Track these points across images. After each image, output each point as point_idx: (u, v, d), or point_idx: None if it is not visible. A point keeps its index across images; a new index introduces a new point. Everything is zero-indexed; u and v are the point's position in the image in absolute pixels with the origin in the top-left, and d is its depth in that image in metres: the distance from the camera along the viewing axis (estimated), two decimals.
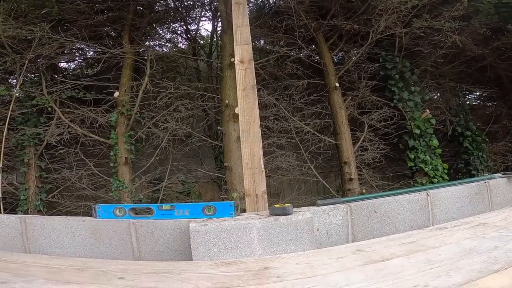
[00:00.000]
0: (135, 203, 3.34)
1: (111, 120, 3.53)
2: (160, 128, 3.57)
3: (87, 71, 4.56)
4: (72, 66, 4.55)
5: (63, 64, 4.40)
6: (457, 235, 1.48)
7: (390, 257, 1.22)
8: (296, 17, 3.64)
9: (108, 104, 3.69)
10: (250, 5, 4.15)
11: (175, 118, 3.58)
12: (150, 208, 1.80)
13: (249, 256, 1.42)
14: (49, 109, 3.58)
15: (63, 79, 3.72)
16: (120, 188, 3.38)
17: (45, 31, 3.12)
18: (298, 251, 1.46)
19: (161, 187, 3.65)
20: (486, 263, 1.03)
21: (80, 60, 4.44)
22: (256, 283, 1.07)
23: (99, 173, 3.68)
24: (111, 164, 3.53)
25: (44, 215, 3.37)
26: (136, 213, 1.82)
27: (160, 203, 3.49)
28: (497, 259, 1.06)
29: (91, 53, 4.19)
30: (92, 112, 3.58)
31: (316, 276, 1.07)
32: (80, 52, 4.27)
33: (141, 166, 3.76)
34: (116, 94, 3.55)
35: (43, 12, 3.23)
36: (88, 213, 3.45)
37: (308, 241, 1.52)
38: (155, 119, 3.62)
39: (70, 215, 2.87)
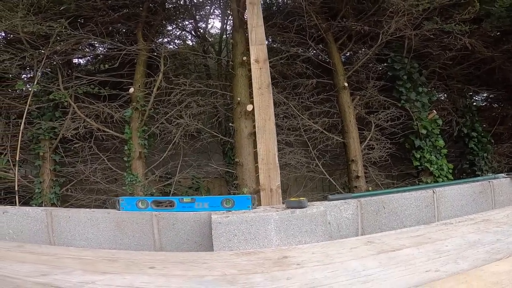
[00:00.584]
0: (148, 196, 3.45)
1: (125, 115, 3.64)
2: (173, 124, 3.68)
3: (100, 67, 4.68)
4: (84, 62, 4.66)
5: (78, 60, 4.50)
6: (462, 230, 1.57)
7: (400, 247, 1.31)
8: (307, 17, 3.70)
9: (122, 100, 3.80)
10: (261, 4, 4.20)
11: (187, 114, 3.69)
12: (172, 201, 1.90)
13: (267, 247, 1.52)
14: (65, 103, 3.70)
15: (79, 75, 3.83)
16: (134, 182, 3.50)
17: (64, 27, 3.23)
18: (313, 242, 1.56)
19: (173, 182, 3.76)
20: (490, 253, 1.13)
21: (93, 56, 4.55)
22: (278, 269, 1.17)
23: (112, 167, 3.79)
24: (125, 159, 3.64)
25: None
26: (158, 206, 1.91)
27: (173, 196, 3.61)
28: (499, 250, 1.15)
29: (105, 49, 4.29)
30: (106, 107, 3.69)
31: (333, 263, 1.17)
32: (94, 48, 4.38)
33: (153, 161, 3.88)
34: (131, 90, 3.66)
35: (61, 8, 3.33)
36: (101, 206, 3.57)
37: (321, 233, 1.62)
38: (168, 115, 3.72)
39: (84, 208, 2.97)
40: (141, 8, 3.88)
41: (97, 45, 4.32)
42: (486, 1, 3.50)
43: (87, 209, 2.07)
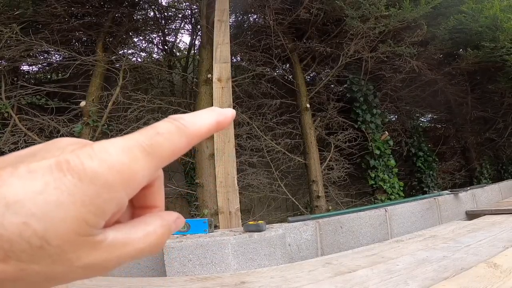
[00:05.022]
0: None
1: (74, 131, 3.35)
2: None
3: (51, 76, 4.32)
4: (35, 69, 4.28)
5: (26, 68, 4.12)
6: (412, 247, 1.64)
7: (356, 268, 1.32)
8: (275, 37, 3.80)
9: (72, 114, 3.51)
10: (231, 20, 4.26)
11: None
12: None
13: (225, 271, 1.44)
14: (6, 115, 3.32)
15: (25, 84, 3.49)
16: None
17: (15, 32, 2.96)
18: (272, 265, 1.52)
19: None
20: (437, 271, 1.18)
21: (45, 64, 4.20)
22: None
23: None
24: None
25: None
26: None
27: None
28: (446, 268, 1.21)
29: (59, 58, 3.99)
30: (53, 120, 3.38)
31: None
32: (47, 56, 4.05)
33: None
34: (83, 103, 3.40)
35: (16, 13, 3.07)
36: None
37: (280, 256, 1.59)
38: (123, 132, 3.50)
39: None
40: (105, 18, 3.70)
41: (52, 53, 4.00)
42: (433, 24, 3.87)
43: None
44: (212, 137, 2.18)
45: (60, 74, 4.22)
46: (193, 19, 4.52)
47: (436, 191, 3.71)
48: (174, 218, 0.18)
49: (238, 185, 2.12)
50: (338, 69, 4.03)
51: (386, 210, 2.28)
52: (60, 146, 0.16)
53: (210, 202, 2.95)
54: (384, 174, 4.15)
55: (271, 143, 3.88)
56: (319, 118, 4.22)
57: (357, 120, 4.33)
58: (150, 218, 0.17)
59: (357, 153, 4.27)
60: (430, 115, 6.23)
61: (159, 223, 0.17)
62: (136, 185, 0.15)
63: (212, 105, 2.37)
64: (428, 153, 5.16)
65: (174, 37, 4.87)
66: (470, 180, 5.59)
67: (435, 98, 5.28)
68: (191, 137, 0.16)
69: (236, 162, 2.17)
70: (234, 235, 1.57)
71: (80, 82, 3.66)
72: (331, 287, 1.10)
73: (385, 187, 4.11)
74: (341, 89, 4.36)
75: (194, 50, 4.66)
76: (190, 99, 4.06)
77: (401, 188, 4.22)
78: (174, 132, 0.16)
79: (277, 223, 2.05)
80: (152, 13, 4.45)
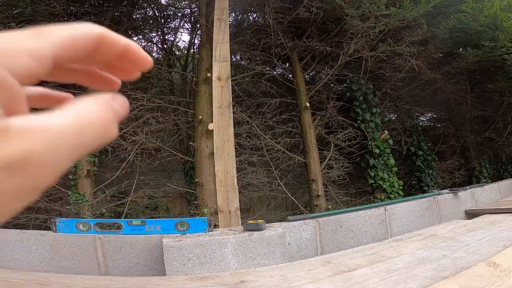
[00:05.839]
0: (96, 217, 3.16)
1: None
2: (128, 141, 3.46)
3: None
4: None
5: None
6: (411, 246, 1.64)
7: (356, 267, 1.32)
8: (274, 36, 3.79)
9: None
10: (230, 19, 4.25)
11: (144, 131, 3.50)
12: (119, 223, 1.74)
13: (224, 271, 1.44)
14: None
15: None
16: (80, 201, 3.18)
17: None
18: (272, 264, 1.52)
19: (126, 201, 3.49)
20: (437, 270, 1.18)
21: None
22: None
23: (55, 185, 3.43)
24: (70, 176, 3.31)
25: None
26: (103, 228, 1.75)
27: (124, 217, 3.34)
28: (445, 267, 1.21)
29: None
30: None
31: None
32: None
33: (105, 179, 3.58)
34: None
35: (14, 12, 3.06)
36: (40, 226, 3.19)
37: (280, 255, 1.58)
38: (123, 131, 3.49)
39: (20, 228, 2.64)
40: (104, 17, 3.69)
41: None
42: (433, 23, 3.86)
43: (17, 230, 1.90)
44: (212, 136, 2.17)
45: None
46: (192, 18, 4.51)
47: (435, 190, 3.70)
48: (110, 95, 0.16)
49: (237, 184, 2.12)
50: (338, 68, 4.02)
51: (385, 209, 2.28)
52: None
53: (210, 201, 2.95)
54: (384, 173, 4.15)
55: (270, 142, 3.87)
56: (318, 117, 4.21)
57: (357, 119, 4.33)
58: (76, 100, 0.15)
59: (357, 152, 4.27)
60: (429, 114, 6.22)
61: (91, 99, 0.15)
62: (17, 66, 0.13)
63: (211, 104, 2.37)
64: (427, 152, 5.16)
65: (173, 36, 4.86)
66: (469, 179, 5.60)
67: (434, 97, 5.27)
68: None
69: (236, 161, 2.16)
70: (234, 234, 1.57)
71: None
72: (331, 286, 1.10)
73: (384, 186, 4.11)
74: (340, 88, 4.35)
75: (194, 49, 4.66)
76: (189, 98, 4.05)
77: (401, 187, 4.23)
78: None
79: (277, 222, 2.05)
80: (151, 12, 4.44)
